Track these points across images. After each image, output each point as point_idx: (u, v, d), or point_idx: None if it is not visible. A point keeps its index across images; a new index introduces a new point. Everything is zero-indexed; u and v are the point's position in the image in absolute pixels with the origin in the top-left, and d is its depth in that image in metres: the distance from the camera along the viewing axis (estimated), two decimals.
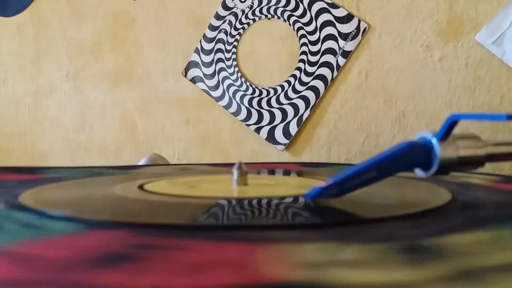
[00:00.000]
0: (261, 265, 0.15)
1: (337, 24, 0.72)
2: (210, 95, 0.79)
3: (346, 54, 0.71)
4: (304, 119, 0.73)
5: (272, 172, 0.47)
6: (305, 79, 0.73)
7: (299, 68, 0.74)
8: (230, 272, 0.15)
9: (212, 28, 0.79)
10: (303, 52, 0.74)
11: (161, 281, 0.14)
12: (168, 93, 0.82)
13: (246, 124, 0.77)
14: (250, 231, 0.20)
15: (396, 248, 0.18)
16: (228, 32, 0.78)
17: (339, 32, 0.72)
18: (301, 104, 0.74)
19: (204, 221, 0.23)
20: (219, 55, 0.78)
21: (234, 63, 0.77)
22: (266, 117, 0.75)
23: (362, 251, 0.17)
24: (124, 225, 0.22)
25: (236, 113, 0.77)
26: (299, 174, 0.45)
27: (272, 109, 0.75)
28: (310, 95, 0.73)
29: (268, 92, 0.75)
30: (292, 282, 0.14)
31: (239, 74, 0.77)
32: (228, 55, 0.78)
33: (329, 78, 0.72)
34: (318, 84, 0.73)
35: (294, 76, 0.74)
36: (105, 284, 0.14)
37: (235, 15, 0.77)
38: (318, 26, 0.73)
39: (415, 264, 0.16)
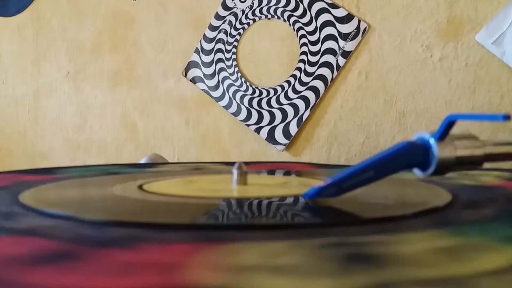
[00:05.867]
0: (188, 268, 0.15)
1: (337, 24, 0.72)
2: (210, 95, 0.79)
3: (346, 54, 0.71)
4: (304, 119, 0.73)
5: (272, 172, 0.47)
6: (305, 79, 0.73)
7: (299, 68, 0.74)
8: (153, 275, 0.15)
9: (212, 28, 0.79)
10: (303, 52, 0.74)
11: (86, 281, 0.14)
12: (168, 93, 0.82)
13: (246, 124, 0.77)
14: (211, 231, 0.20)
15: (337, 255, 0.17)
16: (228, 32, 0.78)
17: (339, 32, 0.72)
18: (301, 104, 0.74)
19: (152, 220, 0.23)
20: (219, 55, 0.78)
21: (234, 63, 0.77)
22: (266, 117, 0.75)
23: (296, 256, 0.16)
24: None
25: (236, 113, 0.77)
26: (298, 174, 0.45)
27: (272, 109, 0.75)
28: (310, 95, 0.73)
29: (268, 92, 0.75)
30: (206, 286, 0.14)
31: (239, 74, 0.77)
32: (228, 55, 0.78)
33: (329, 78, 0.72)
34: (318, 84, 0.73)
35: (294, 76, 0.74)
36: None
37: (235, 15, 0.77)
38: (318, 26, 0.73)
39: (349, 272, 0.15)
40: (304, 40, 0.74)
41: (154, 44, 0.83)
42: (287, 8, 0.74)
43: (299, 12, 0.74)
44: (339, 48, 0.72)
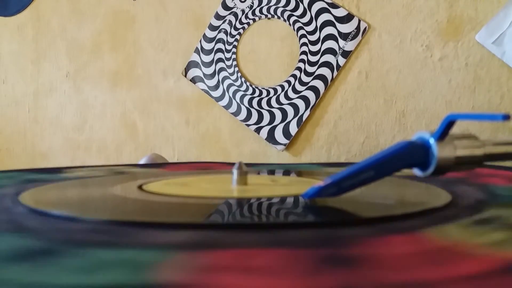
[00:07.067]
0: None
1: (337, 24, 0.72)
2: (210, 95, 0.79)
3: (346, 54, 0.71)
4: (304, 119, 0.73)
5: (271, 172, 0.47)
6: (305, 79, 0.73)
7: (299, 68, 0.74)
8: None
9: (212, 28, 0.79)
10: (303, 52, 0.74)
11: None
12: (168, 93, 0.82)
13: (246, 124, 0.77)
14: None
15: None
16: (228, 32, 0.78)
17: (339, 32, 0.72)
18: (301, 104, 0.73)
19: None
20: (219, 55, 0.78)
21: (234, 63, 0.77)
22: (266, 117, 0.75)
23: None
24: None
25: (236, 113, 0.77)
26: (298, 174, 0.45)
27: (272, 109, 0.75)
28: (310, 95, 0.73)
29: (268, 92, 0.75)
30: None
31: (239, 74, 0.77)
32: (228, 55, 0.78)
33: (329, 78, 0.72)
34: (318, 84, 0.73)
35: (294, 76, 0.74)
36: None
37: (235, 15, 0.77)
38: (318, 26, 0.73)
39: None
40: (304, 40, 0.74)
41: (154, 44, 0.83)
42: (287, 8, 0.74)
43: (299, 12, 0.74)
44: (339, 48, 0.72)
